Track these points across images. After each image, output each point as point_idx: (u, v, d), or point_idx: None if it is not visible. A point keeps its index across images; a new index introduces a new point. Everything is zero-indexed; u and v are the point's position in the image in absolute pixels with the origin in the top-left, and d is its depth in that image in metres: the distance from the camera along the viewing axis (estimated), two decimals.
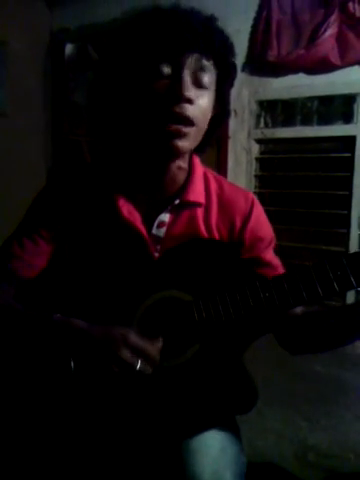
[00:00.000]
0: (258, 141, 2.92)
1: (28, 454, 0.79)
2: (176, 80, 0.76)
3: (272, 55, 2.64)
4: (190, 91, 0.76)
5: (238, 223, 0.91)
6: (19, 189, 2.65)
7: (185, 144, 0.79)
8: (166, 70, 0.76)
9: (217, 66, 0.80)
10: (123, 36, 0.82)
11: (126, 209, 0.86)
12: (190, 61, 0.76)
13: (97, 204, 0.89)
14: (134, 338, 0.75)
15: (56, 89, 3.40)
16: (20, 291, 0.89)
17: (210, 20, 0.80)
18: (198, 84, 0.78)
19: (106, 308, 0.82)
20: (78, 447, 0.78)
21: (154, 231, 0.88)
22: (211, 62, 0.79)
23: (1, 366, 0.84)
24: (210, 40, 0.77)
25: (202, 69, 0.78)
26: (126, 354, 0.73)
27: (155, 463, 0.81)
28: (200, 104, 0.79)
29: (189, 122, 0.77)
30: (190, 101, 0.76)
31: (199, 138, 0.83)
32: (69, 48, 3.30)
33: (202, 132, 0.83)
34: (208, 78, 0.79)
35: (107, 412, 0.79)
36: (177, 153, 0.81)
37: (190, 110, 0.77)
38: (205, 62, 0.78)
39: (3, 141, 3.10)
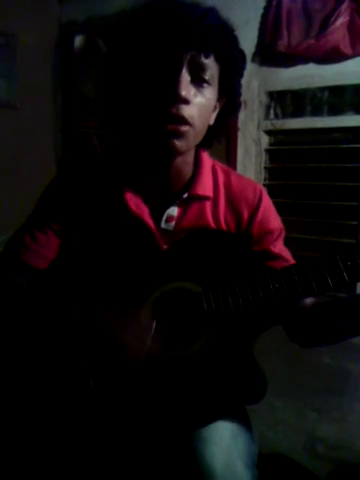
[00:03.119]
0: (268, 132, 2.90)
1: (38, 443, 0.80)
2: (173, 79, 0.74)
3: (282, 45, 2.60)
4: (187, 90, 0.74)
5: (245, 215, 0.91)
6: (29, 181, 2.66)
7: (182, 144, 0.78)
8: (163, 69, 0.75)
9: (219, 60, 0.78)
10: (121, 33, 0.81)
11: (133, 202, 0.86)
12: (188, 59, 0.74)
13: (106, 197, 0.89)
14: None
15: (65, 81, 3.40)
16: (31, 283, 0.90)
17: (209, 14, 0.77)
18: (197, 82, 0.77)
19: (115, 301, 0.83)
20: (89, 436, 0.79)
21: (163, 225, 0.88)
22: (211, 58, 0.77)
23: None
24: (208, 35, 0.74)
25: (201, 66, 0.76)
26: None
27: (166, 453, 0.82)
28: (198, 103, 0.77)
29: (186, 122, 0.76)
30: (186, 101, 0.75)
31: (200, 136, 0.82)
32: (78, 40, 3.29)
33: (202, 130, 0.82)
34: (208, 74, 0.77)
35: (118, 404, 0.80)
36: (175, 152, 0.80)
37: (186, 110, 0.75)
38: (204, 59, 0.76)
39: (13, 133, 3.11)
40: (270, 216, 0.94)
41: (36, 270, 0.90)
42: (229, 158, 2.85)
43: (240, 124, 2.87)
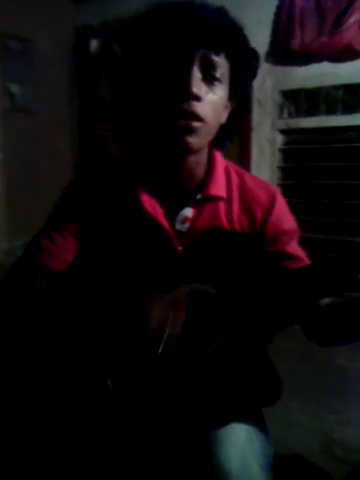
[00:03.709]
0: (282, 132, 2.89)
1: (53, 443, 0.81)
2: (184, 77, 0.75)
3: (295, 43, 2.60)
4: (198, 88, 0.75)
5: (259, 217, 0.91)
6: (47, 183, 2.70)
7: (195, 140, 0.78)
8: (175, 67, 0.76)
9: (229, 59, 0.79)
10: (134, 34, 0.82)
11: (148, 204, 0.87)
12: (199, 57, 0.75)
13: (121, 199, 0.89)
14: None
15: (81, 85, 3.43)
16: (50, 285, 0.91)
17: (218, 12, 0.78)
18: (208, 79, 0.77)
19: (132, 303, 0.83)
20: (105, 437, 0.80)
21: (178, 226, 0.88)
22: (222, 56, 0.77)
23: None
24: (219, 34, 0.75)
25: (211, 64, 0.77)
26: None
27: (182, 453, 0.82)
28: (210, 100, 0.78)
29: (198, 118, 0.77)
30: (198, 98, 0.75)
31: (211, 134, 0.82)
32: (94, 44, 3.32)
33: (214, 128, 0.82)
34: (219, 73, 0.78)
35: (135, 405, 0.80)
36: (187, 149, 0.80)
37: (198, 107, 0.76)
38: (214, 57, 0.76)
39: (30, 137, 3.16)
40: (284, 217, 0.93)
41: (55, 272, 0.91)
42: (243, 158, 2.85)
43: (254, 124, 2.87)
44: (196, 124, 0.77)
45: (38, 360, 0.85)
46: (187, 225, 0.88)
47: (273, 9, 2.70)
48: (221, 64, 0.78)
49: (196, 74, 0.75)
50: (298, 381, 1.93)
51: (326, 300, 0.85)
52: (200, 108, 0.76)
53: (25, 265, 0.93)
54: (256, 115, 2.85)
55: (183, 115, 0.76)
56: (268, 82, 2.78)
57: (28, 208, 2.99)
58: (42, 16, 3.15)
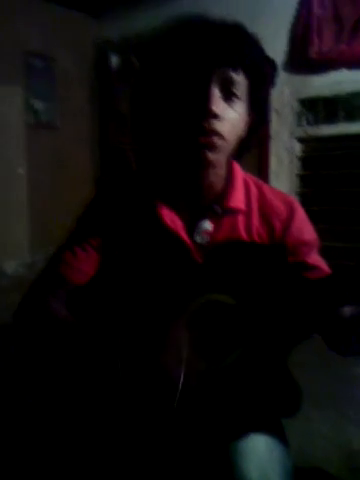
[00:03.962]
0: (300, 140, 2.88)
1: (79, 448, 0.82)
2: (204, 95, 0.76)
3: (313, 51, 2.59)
4: (218, 106, 0.76)
5: (278, 228, 0.91)
6: (69, 197, 2.74)
7: (216, 157, 0.80)
8: (194, 86, 0.77)
9: (248, 76, 0.80)
10: (151, 52, 0.85)
11: (168, 217, 0.88)
12: (218, 75, 0.76)
13: (141, 212, 0.91)
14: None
15: (102, 100, 3.49)
16: (71, 298, 0.92)
17: (236, 29, 0.79)
18: (227, 97, 0.78)
19: (153, 315, 0.83)
20: (125, 446, 0.80)
21: (198, 240, 0.89)
22: (240, 73, 0.78)
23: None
24: (237, 52, 0.76)
25: (230, 82, 0.78)
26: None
27: (202, 465, 0.82)
28: (229, 118, 0.79)
29: (218, 135, 0.78)
30: (217, 117, 0.76)
31: (231, 149, 0.83)
32: (114, 60, 3.38)
33: (233, 143, 0.83)
34: (237, 89, 0.79)
35: (154, 416, 0.81)
36: (208, 164, 0.81)
37: (218, 125, 0.77)
38: (233, 75, 0.77)
39: (54, 152, 3.23)
40: (304, 228, 0.93)
41: (75, 285, 0.92)
42: (261, 167, 2.84)
43: (272, 133, 2.86)
44: (217, 141, 0.78)
45: (57, 377, 0.86)
46: (207, 238, 0.89)
47: (289, 18, 2.70)
48: (239, 81, 0.79)
49: (215, 93, 0.76)
50: (318, 391, 1.90)
51: (346, 309, 0.84)
52: (220, 126, 0.77)
53: (48, 278, 0.95)
54: (274, 124, 2.84)
55: (203, 132, 0.77)
56: (286, 91, 2.78)
57: (50, 222, 3.04)
58: (63, 33, 3.23)
